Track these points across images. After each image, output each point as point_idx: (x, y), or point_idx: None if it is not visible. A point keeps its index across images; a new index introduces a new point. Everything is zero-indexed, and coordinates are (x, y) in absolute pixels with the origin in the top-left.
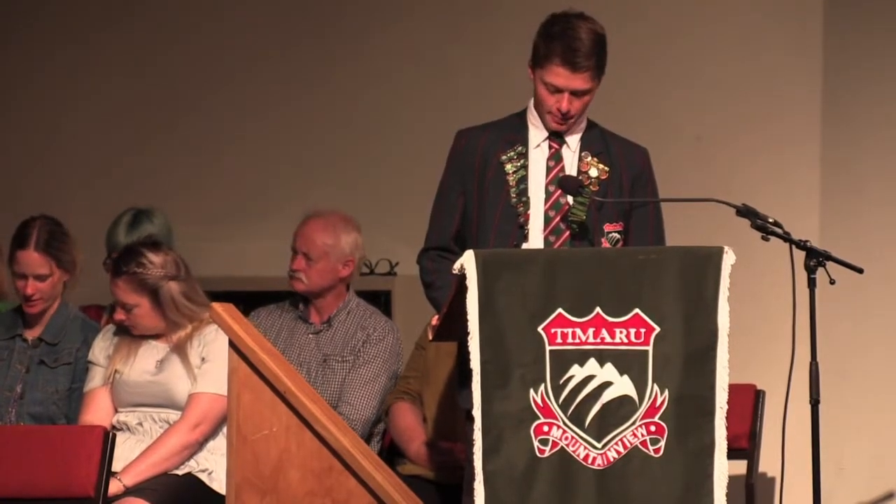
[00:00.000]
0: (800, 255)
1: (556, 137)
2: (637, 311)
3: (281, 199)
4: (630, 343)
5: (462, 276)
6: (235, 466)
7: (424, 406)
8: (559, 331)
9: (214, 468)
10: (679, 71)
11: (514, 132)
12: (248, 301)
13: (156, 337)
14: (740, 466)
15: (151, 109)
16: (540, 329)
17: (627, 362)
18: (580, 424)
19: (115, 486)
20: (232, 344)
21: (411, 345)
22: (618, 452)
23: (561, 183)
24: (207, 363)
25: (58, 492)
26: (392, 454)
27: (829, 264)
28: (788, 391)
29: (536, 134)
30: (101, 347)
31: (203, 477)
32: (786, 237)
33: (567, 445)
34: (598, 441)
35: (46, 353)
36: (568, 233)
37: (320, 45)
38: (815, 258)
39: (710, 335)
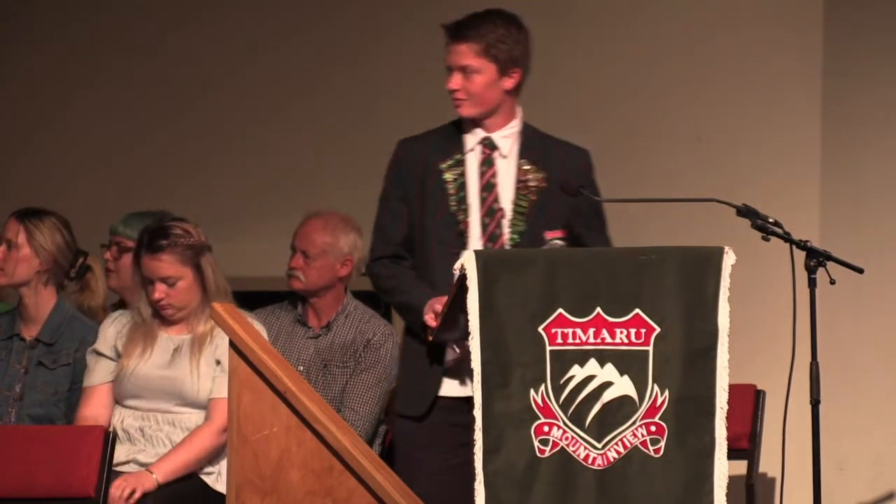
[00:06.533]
0: (800, 255)
1: (488, 142)
2: (637, 311)
3: (281, 199)
4: (630, 343)
5: (462, 276)
6: (236, 466)
7: None
8: (560, 331)
9: (219, 470)
10: (679, 71)
11: (451, 140)
12: (248, 301)
13: (172, 325)
14: (740, 466)
15: (152, 108)
16: (540, 329)
17: (628, 362)
18: (580, 424)
19: (148, 481)
20: (232, 344)
21: None
22: (618, 452)
23: (561, 184)
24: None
25: (58, 492)
26: (393, 454)
27: (829, 264)
28: (789, 391)
29: (470, 139)
30: (111, 336)
31: (207, 479)
32: (786, 237)
33: (567, 445)
34: (599, 441)
35: (44, 353)
36: (504, 237)
37: (322, 45)
38: (816, 258)
39: (710, 335)
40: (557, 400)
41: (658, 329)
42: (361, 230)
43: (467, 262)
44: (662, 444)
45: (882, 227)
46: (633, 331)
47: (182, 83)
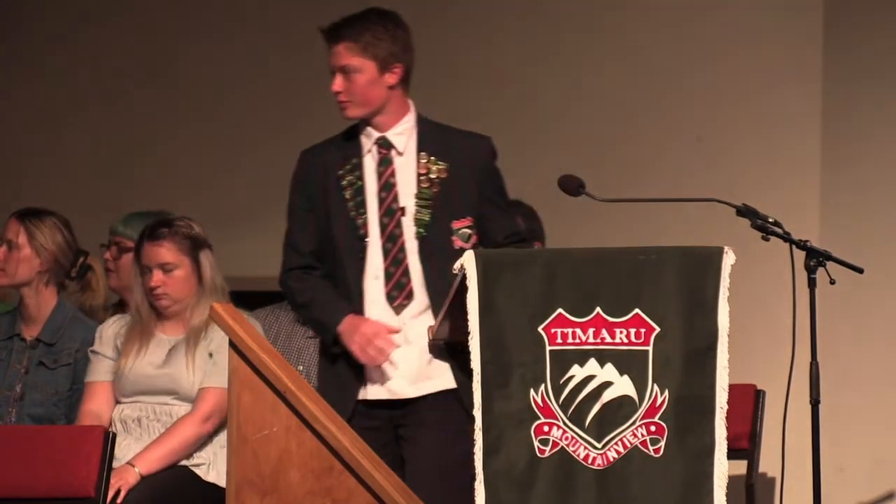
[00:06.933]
0: (800, 255)
1: (382, 142)
2: (637, 311)
3: (281, 199)
4: (630, 343)
5: (462, 276)
6: (235, 466)
7: None
8: (559, 331)
9: (211, 460)
10: (680, 71)
11: (348, 145)
12: (248, 301)
13: (168, 320)
14: (740, 466)
15: (154, 110)
16: (540, 329)
17: (627, 362)
18: (580, 424)
19: (130, 475)
20: (232, 344)
21: None
22: (618, 452)
23: (561, 184)
24: (219, 355)
25: (58, 492)
26: None
27: (829, 264)
28: (789, 391)
29: (366, 141)
30: (110, 336)
31: (198, 471)
32: (786, 237)
33: (567, 445)
34: (599, 441)
35: (45, 353)
36: (403, 236)
37: (322, 47)
38: (815, 258)
39: (710, 335)
40: (557, 400)
41: (658, 329)
42: None
43: (467, 261)
44: (662, 443)
45: (882, 228)
46: (632, 331)
47: (182, 84)
